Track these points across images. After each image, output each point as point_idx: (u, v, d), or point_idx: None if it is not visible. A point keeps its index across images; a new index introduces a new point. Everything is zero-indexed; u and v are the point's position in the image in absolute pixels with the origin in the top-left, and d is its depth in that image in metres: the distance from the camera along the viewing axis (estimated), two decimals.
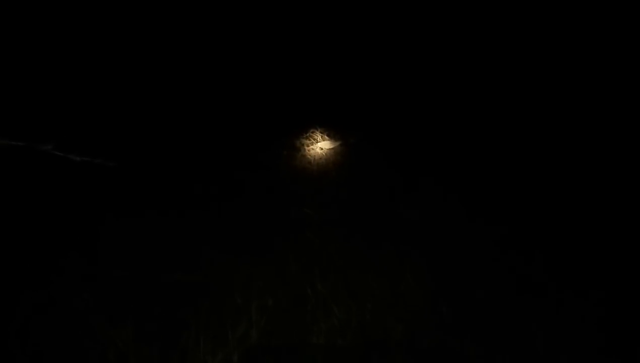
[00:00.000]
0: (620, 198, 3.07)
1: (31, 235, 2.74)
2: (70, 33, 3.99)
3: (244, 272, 2.56)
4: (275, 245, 2.76)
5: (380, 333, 2.28)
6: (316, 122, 3.86)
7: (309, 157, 3.60)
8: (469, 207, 3.07)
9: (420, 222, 2.97)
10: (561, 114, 3.73)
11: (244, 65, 4.20)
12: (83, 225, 2.86)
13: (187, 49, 4.20)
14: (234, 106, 3.92)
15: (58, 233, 2.77)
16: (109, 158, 3.37)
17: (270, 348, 2.16)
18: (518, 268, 2.62)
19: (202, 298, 2.37)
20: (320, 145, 3.71)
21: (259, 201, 3.17)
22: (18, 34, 3.90)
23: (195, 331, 2.15)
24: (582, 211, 3.01)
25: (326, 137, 3.77)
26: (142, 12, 4.11)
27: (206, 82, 4.08)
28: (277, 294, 2.43)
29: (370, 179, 3.37)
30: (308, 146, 3.70)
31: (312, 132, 3.79)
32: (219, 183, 3.29)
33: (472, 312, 2.38)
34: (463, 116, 3.81)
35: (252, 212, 3.05)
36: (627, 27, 3.87)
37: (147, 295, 2.37)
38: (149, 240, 2.77)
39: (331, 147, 3.69)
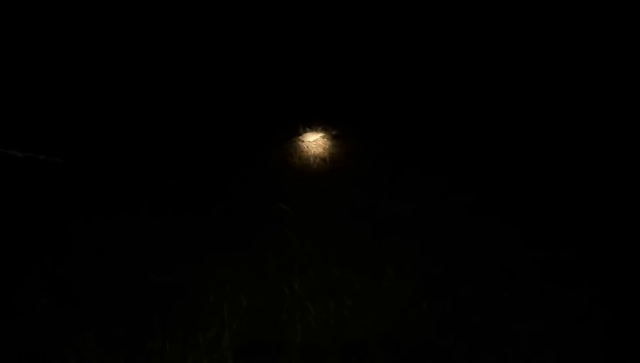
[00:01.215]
0: (613, 192, 3.00)
1: None
2: (15, 19, 3.83)
3: (217, 270, 2.47)
4: (251, 242, 2.66)
5: (361, 331, 2.20)
6: (298, 114, 3.76)
7: (290, 149, 3.50)
8: (453, 201, 2.98)
9: (403, 216, 2.89)
10: (552, 105, 3.67)
11: (222, 57, 4.10)
12: (49, 225, 2.74)
13: (161, 40, 4.08)
14: (211, 97, 3.81)
15: (21, 235, 2.66)
16: (85, 153, 3.25)
17: (243, 352, 2.07)
18: (503, 264, 2.54)
19: (173, 299, 2.27)
20: (302, 138, 3.62)
21: (237, 196, 3.07)
22: None
23: (163, 334, 2.05)
24: (571, 204, 2.93)
25: (308, 129, 3.68)
26: None
27: (180, 73, 3.96)
28: (253, 294, 2.34)
29: (352, 171, 3.28)
30: (289, 138, 3.60)
31: (294, 124, 3.69)
32: (193, 178, 3.18)
33: (456, 308, 2.30)
34: (448, 109, 3.73)
35: (228, 208, 2.95)
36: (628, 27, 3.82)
37: (113, 297, 2.27)
38: (118, 238, 2.66)
39: (313, 139, 3.60)
